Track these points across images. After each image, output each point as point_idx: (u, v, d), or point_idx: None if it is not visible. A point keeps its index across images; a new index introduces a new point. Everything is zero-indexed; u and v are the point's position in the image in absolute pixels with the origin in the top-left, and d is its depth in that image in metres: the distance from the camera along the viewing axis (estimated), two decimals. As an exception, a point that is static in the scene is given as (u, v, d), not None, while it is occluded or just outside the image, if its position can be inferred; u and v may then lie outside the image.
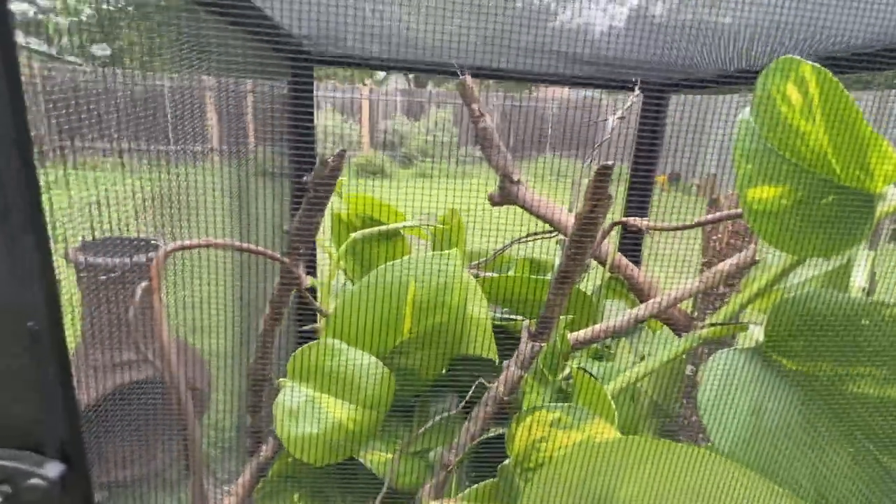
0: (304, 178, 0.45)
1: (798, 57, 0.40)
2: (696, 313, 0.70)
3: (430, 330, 0.53)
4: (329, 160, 0.44)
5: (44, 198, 0.22)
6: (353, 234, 0.62)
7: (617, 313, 0.63)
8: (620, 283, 0.74)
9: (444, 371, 0.55)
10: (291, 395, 0.46)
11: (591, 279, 0.77)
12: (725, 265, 0.52)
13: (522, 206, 0.79)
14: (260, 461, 0.53)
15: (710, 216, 0.58)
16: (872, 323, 0.36)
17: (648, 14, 0.60)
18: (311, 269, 0.81)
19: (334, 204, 0.72)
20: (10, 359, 0.19)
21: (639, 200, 0.97)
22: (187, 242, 0.44)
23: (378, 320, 0.51)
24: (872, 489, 0.36)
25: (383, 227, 0.62)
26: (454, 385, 0.56)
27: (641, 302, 0.69)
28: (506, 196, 0.80)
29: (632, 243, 0.88)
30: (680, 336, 0.62)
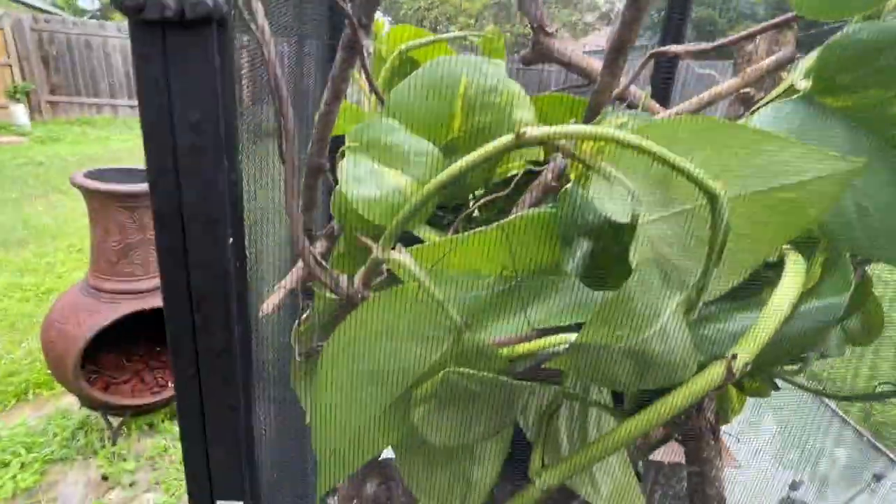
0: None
1: None
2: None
3: (478, 129, 0.55)
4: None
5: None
6: (399, 46, 0.63)
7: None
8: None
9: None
10: (354, 163, 0.49)
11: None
12: (766, 61, 0.54)
13: (559, 62, 0.79)
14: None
15: (748, 31, 0.59)
16: (918, 39, 0.38)
17: None
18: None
19: (372, 47, 0.73)
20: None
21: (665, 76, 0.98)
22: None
23: (430, 112, 0.53)
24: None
25: (429, 38, 0.64)
26: (501, 187, 0.58)
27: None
28: (540, 52, 0.80)
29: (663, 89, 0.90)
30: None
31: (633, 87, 0.72)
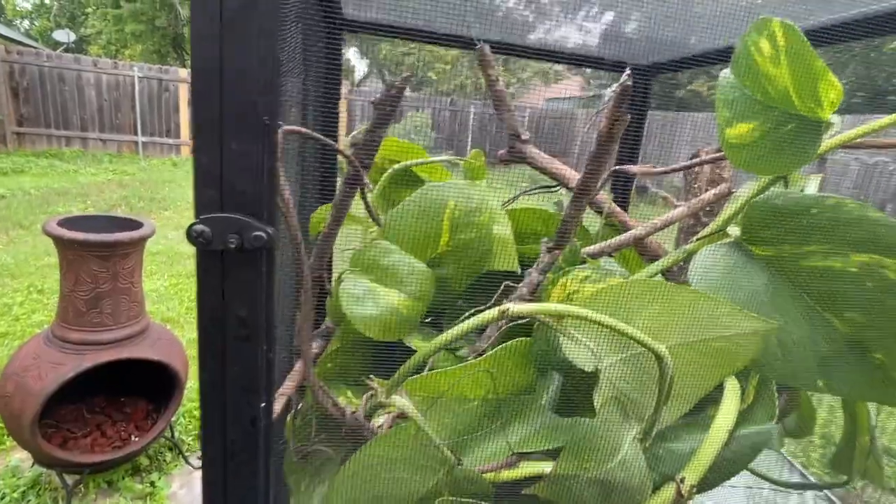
0: (373, 99, 0.53)
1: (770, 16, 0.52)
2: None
3: (463, 245, 0.62)
4: (396, 81, 0.52)
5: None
6: (390, 169, 0.70)
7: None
8: (615, 228, 0.85)
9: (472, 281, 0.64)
10: (354, 284, 0.55)
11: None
12: (707, 194, 0.64)
13: (530, 163, 0.89)
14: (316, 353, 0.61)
15: (691, 161, 0.70)
16: (818, 210, 0.47)
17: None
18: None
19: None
20: (248, 145, 0.27)
21: (622, 189, 1.09)
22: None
23: (421, 231, 0.60)
24: (815, 335, 0.47)
25: (418, 161, 0.71)
26: (483, 294, 0.65)
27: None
28: (515, 153, 0.90)
29: (621, 201, 0.99)
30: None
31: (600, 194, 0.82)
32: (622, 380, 0.42)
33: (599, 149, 0.53)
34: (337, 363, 0.62)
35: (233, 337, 0.30)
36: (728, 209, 0.63)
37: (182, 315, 3.39)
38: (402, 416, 0.42)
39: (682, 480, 0.41)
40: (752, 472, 0.66)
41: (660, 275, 0.64)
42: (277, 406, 0.53)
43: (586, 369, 0.39)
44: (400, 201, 0.74)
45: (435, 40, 0.98)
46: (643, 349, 0.42)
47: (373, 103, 0.55)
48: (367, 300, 0.54)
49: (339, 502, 0.40)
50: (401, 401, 0.39)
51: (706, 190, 0.80)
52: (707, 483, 0.42)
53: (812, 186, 0.54)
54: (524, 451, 0.42)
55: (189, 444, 2.31)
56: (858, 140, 0.51)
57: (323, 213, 0.76)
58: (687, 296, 0.42)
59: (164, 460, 2.31)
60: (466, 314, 0.63)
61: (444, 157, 0.74)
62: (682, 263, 0.66)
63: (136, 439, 2.19)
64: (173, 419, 2.28)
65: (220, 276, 0.29)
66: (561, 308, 0.37)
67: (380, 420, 0.44)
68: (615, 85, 0.93)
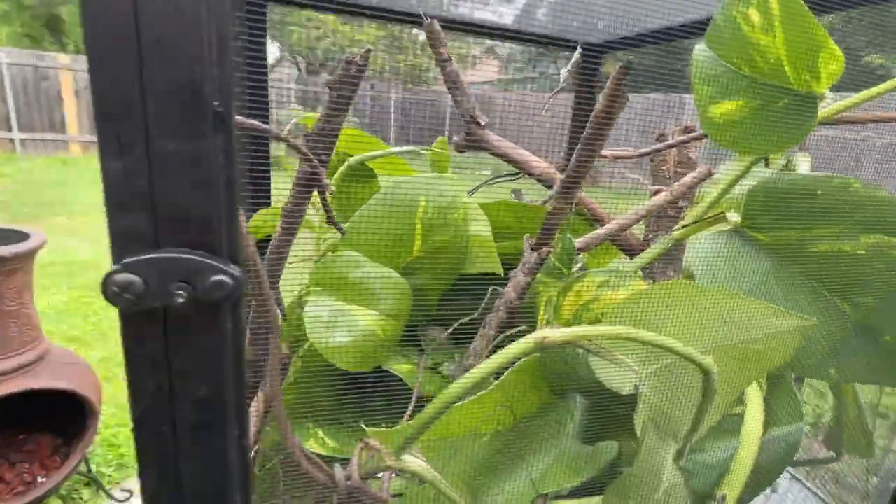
0: (329, 78, 0.44)
1: (758, -17, 0.48)
2: (650, 235, 0.79)
3: (438, 248, 0.55)
4: (356, 59, 0.43)
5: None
6: (348, 160, 0.60)
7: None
8: (583, 218, 0.81)
9: (451, 287, 0.57)
10: (319, 307, 0.45)
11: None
12: (687, 178, 0.60)
13: (490, 150, 0.82)
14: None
15: (661, 144, 0.66)
16: (824, 192, 0.45)
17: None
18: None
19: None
20: (192, 144, 0.18)
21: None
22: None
23: (391, 236, 0.52)
24: (826, 322, 0.45)
25: (377, 153, 0.62)
26: (462, 300, 0.58)
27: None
28: (473, 140, 0.82)
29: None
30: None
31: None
32: (655, 393, 0.37)
33: (594, 132, 0.47)
34: (300, 397, 0.52)
35: (189, 428, 0.20)
36: (712, 193, 0.60)
37: (88, 332, 3.01)
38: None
39: (723, 499, 0.37)
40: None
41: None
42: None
43: (622, 392, 0.33)
44: (357, 202, 0.65)
45: (372, 15, 0.88)
46: (674, 359, 0.37)
47: (328, 85, 0.45)
48: (338, 326, 0.45)
49: None
50: (416, 462, 0.31)
51: (675, 172, 0.78)
52: (746, 495, 0.39)
53: (804, 166, 0.53)
54: (550, 489, 0.36)
55: (110, 476, 2.07)
56: (849, 115, 0.49)
57: (262, 218, 0.65)
58: (718, 298, 0.38)
59: (81, 498, 2.04)
60: (450, 327, 0.56)
61: (407, 148, 0.65)
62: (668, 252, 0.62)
63: (44, 480, 1.91)
64: (88, 451, 2.02)
65: (161, 345, 0.19)
66: (604, 330, 0.31)
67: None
68: (568, 64, 0.88)
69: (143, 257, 0.18)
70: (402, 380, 0.51)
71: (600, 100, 0.46)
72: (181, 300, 0.18)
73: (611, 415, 0.37)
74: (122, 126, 0.17)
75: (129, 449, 2.22)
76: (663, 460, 0.35)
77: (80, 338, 3.00)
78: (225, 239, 0.19)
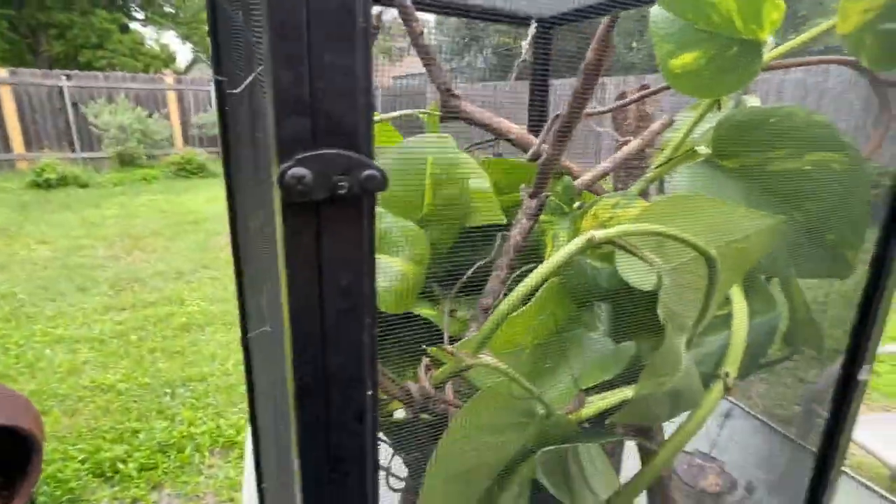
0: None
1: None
2: (619, 186, 0.87)
3: (446, 201, 0.59)
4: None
5: None
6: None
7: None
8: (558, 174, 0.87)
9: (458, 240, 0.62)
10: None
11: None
12: (655, 125, 0.68)
13: (465, 119, 0.87)
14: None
15: (628, 98, 0.74)
16: (776, 119, 0.54)
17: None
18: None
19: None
20: (344, 58, 0.21)
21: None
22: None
23: (407, 192, 0.55)
24: (786, 231, 0.54)
25: (377, 118, 0.65)
26: (468, 252, 0.63)
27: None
28: (450, 110, 0.87)
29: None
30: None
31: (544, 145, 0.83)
32: (665, 293, 0.43)
33: (585, 81, 0.53)
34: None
35: (334, 311, 0.24)
36: (676, 137, 0.69)
37: (11, 367, 2.75)
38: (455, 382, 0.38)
39: (727, 374, 0.44)
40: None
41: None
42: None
43: (644, 288, 0.39)
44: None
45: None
46: (679, 262, 0.43)
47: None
48: (378, 272, 0.48)
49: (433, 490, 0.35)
50: (489, 360, 0.36)
51: (637, 125, 0.87)
52: (742, 372, 0.47)
53: (754, 102, 0.62)
54: (588, 385, 0.42)
55: (60, 513, 1.93)
56: (790, 59, 0.58)
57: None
58: (706, 204, 0.45)
59: (35, 540, 1.90)
60: (466, 273, 0.60)
61: (402, 112, 0.68)
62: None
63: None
64: (34, 489, 1.87)
65: (314, 234, 0.22)
66: (639, 228, 0.36)
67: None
68: (528, 37, 0.94)
69: (311, 153, 0.21)
70: (423, 326, 0.56)
71: (589, 53, 0.52)
72: (343, 191, 0.22)
73: (631, 316, 0.43)
74: (292, 39, 0.20)
75: (78, 483, 2.05)
76: (681, 345, 0.42)
77: (5, 374, 2.74)
78: (368, 141, 0.22)
